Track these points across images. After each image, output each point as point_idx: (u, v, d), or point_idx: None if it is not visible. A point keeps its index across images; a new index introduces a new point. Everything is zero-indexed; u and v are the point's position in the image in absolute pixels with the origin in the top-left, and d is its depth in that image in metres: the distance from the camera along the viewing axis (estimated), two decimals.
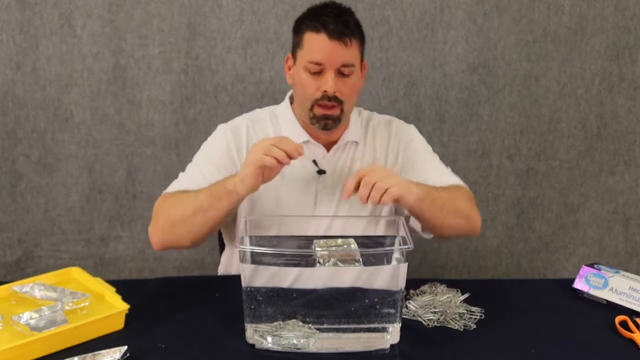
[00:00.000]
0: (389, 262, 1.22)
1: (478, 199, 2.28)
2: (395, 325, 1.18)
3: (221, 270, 1.68)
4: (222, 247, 1.72)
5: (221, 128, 1.57)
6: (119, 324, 1.21)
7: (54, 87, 2.08)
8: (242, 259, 1.15)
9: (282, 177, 1.46)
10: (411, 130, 1.64)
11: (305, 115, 1.48)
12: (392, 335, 1.19)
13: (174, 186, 1.49)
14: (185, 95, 2.13)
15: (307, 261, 1.19)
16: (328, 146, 1.54)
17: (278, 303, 1.16)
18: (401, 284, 1.17)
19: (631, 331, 1.28)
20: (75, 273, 1.39)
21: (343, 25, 1.40)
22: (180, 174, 1.53)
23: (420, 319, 1.30)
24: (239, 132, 1.53)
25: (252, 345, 1.17)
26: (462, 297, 1.38)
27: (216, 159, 1.50)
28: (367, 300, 1.18)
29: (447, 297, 1.37)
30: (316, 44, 1.41)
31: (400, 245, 1.24)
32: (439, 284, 1.45)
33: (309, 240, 1.25)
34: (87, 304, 1.26)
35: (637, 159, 2.31)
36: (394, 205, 1.52)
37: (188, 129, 2.15)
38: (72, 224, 2.19)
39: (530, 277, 2.36)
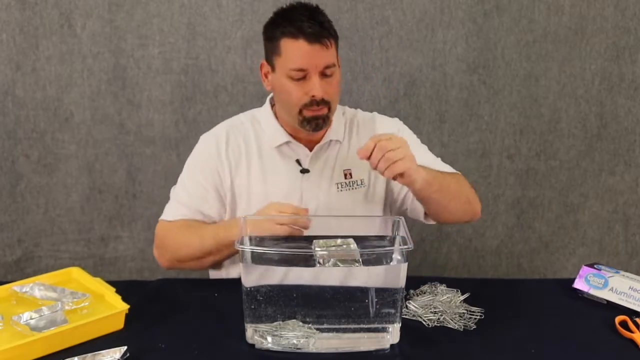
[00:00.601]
0: (389, 262, 1.22)
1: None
2: (395, 325, 1.18)
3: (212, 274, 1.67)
4: None
5: (202, 138, 1.59)
6: (118, 324, 1.21)
7: (54, 87, 2.08)
8: (242, 259, 1.15)
9: (268, 178, 1.51)
10: (395, 122, 1.64)
11: (294, 120, 1.47)
12: (392, 335, 1.19)
13: (172, 212, 1.53)
14: (185, 95, 2.13)
15: (307, 261, 1.19)
16: (310, 145, 1.55)
17: (278, 303, 1.16)
18: (401, 284, 1.17)
19: (631, 331, 1.28)
20: (75, 273, 1.39)
21: (319, 27, 1.39)
22: (175, 196, 1.56)
23: (420, 319, 1.30)
24: (219, 139, 1.54)
25: (252, 345, 1.17)
26: (462, 297, 1.38)
27: (207, 171, 1.53)
28: (367, 300, 1.18)
29: (447, 297, 1.37)
30: (296, 50, 1.39)
31: (400, 245, 1.24)
32: (439, 284, 1.45)
33: (308, 240, 1.26)
34: (87, 304, 1.26)
35: (637, 159, 2.30)
36: (398, 190, 1.54)
37: (188, 129, 2.15)
38: (72, 224, 2.19)
39: (530, 277, 2.36)
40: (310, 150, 1.54)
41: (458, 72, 2.18)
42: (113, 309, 1.23)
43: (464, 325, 1.28)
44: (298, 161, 1.53)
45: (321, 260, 1.18)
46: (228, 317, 1.24)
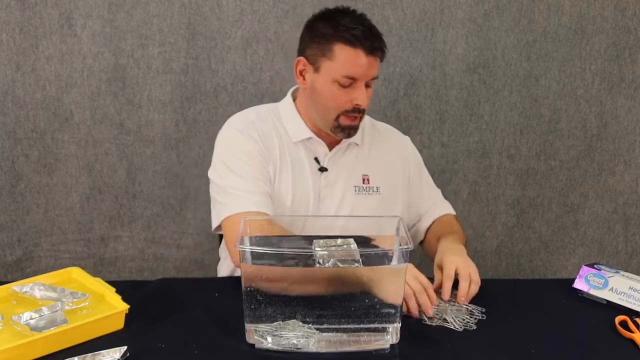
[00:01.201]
0: (389, 262, 1.22)
1: (478, 199, 2.29)
2: (395, 325, 1.18)
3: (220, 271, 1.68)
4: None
5: (232, 121, 1.55)
6: (118, 324, 1.21)
7: (54, 87, 2.08)
8: (242, 259, 1.15)
9: (290, 171, 1.50)
10: (410, 144, 1.71)
11: (327, 124, 1.49)
12: (392, 335, 1.19)
13: (240, 204, 1.43)
14: (185, 95, 2.13)
15: (307, 261, 1.19)
16: (330, 144, 1.56)
17: (278, 303, 1.16)
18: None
19: (631, 331, 1.28)
20: (75, 273, 1.39)
21: (376, 39, 1.42)
22: (228, 189, 1.46)
23: (420, 319, 1.30)
24: (253, 124, 1.53)
25: (252, 345, 1.17)
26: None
27: (252, 160, 1.48)
28: (367, 300, 1.18)
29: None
30: (352, 59, 1.40)
31: (400, 245, 1.24)
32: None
33: (309, 240, 1.25)
34: (87, 304, 1.25)
35: (637, 159, 2.31)
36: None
37: (188, 129, 2.15)
38: (72, 224, 2.19)
39: (530, 277, 2.36)
40: (330, 150, 1.55)
41: (458, 72, 2.18)
42: (113, 309, 1.23)
43: (464, 325, 1.28)
44: (316, 159, 1.54)
45: (321, 260, 1.17)
46: (228, 317, 1.24)
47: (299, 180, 1.52)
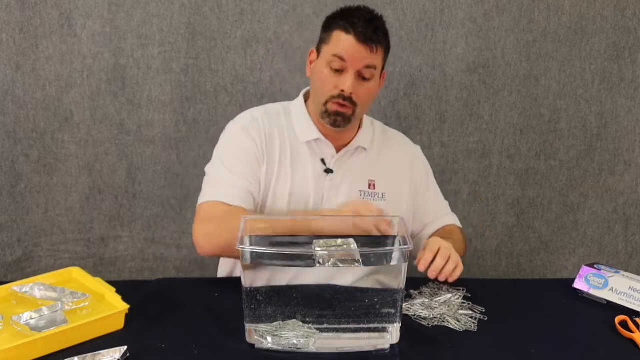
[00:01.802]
0: (389, 262, 1.22)
1: (478, 199, 2.29)
2: (395, 325, 1.18)
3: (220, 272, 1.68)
4: None
5: (239, 118, 1.57)
6: (118, 324, 1.21)
7: (54, 87, 2.08)
8: (242, 259, 1.15)
9: (295, 171, 1.51)
10: (420, 153, 1.71)
11: (318, 109, 1.51)
12: (392, 335, 1.19)
13: (220, 193, 1.46)
14: (185, 95, 2.13)
15: (307, 261, 1.19)
16: (337, 147, 1.56)
17: (278, 303, 1.16)
18: (401, 284, 1.17)
19: (631, 331, 1.28)
20: (75, 273, 1.39)
21: (372, 32, 1.43)
22: (217, 177, 1.50)
23: (420, 319, 1.30)
24: (256, 120, 1.55)
25: (252, 345, 1.17)
26: (462, 297, 1.38)
27: (246, 158, 1.50)
28: (367, 300, 1.18)
29: (447, 297, 1.37)
30: (343, 42, 1.44)
31: (400, 245, 1.24)
32: (439, 284, 1.45)
33: (309, 240, 1.25)
34: (87, 304, 1.26)
35: (637, 159, 2.31)
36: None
37: (188, 129, 2.15)
38: (72, 224, 2.19)
39: (530, 277, 2.36)
40: (337, 152, 1.55)
41: (458, 72, 2.18)
42: (113, 309, 1.23)
43: (464, 325, 1.28)
44: (323, 160, 1.55)
45: (321, 260, 1.18)
46: (228, 317, 1.24)
47: (298, 182, 1.52)
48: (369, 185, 1.57)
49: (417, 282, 1.44)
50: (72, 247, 2.21)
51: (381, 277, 1.32)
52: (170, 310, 1.29)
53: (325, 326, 1.16)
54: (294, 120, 1.56)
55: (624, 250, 2.38)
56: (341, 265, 1.18)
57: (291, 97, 1.67)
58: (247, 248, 1.20)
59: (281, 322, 1.15)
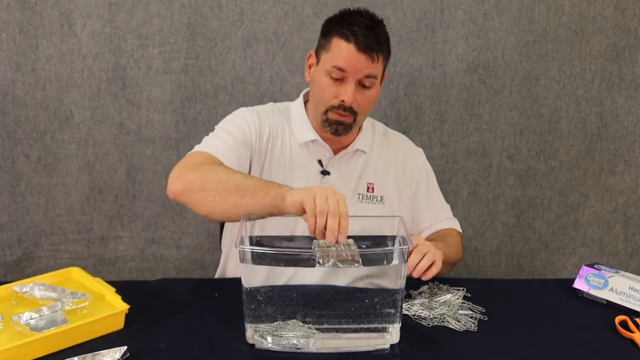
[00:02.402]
0: (389, 262, 1.22)
1: (478, 199, 2.29)
2: (395, 325, 1.18)
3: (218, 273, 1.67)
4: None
5: (245, 108, 1.58)
6: (118, 324, 1.21)
7: (54, 87, 2.08)
8: (242, 259, 1.15)
9: (291, 172, 1.51)
10: (422, 157, 1.70)
11: (318, 117, 1.50)
12: (392, 335, 1.19)
13: (210, 145, 1.45)
14: (185, 95, 2.13)
15: (307, 261, 1.19)
16: (335, 149, 1.55)
17: (278, 303, 1.16)
18: (401, 284, 1.17)
19: (631, 331, 1.28)
20: (75, 273, 1.39)
21: (373, 40, 1.41)
22: (213, 135, 1.50)
23: (420, 319, 1.30)
24: (267, 115, 1.55)
25: (252, 345, 1.17)
26: (462, 297, 1.38)
27: (241, 134, 1.49)
28: (367, 300, 1.18)
29: (447, 297, 1.37)
30: (343, 51, 1.42)
31: (400, 245, 1.24)
32: (439, 284, 1.45)
33: (309, 240, 1.25)
34: (87, 304, 1.26)
35: (637, 159, 2.30)
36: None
37: (188, 129, 2.15)
38: (72, 224, 2.19)
39: (530, 277, 2.36)
40: (335, 154, 1.55)
41: (458, 72, 2.18)
42: (113, 309, 1.23)
43: (464, 325, 1.28)
44: (320, 162, 1.54)
45: (321, 260, 1.18)
46: (228, 317, 1.24)
47: (294, 183, 1.50)
48: (368, 188, 1.57)
49: (417, 282, 1.44)
50: (72, 247, 2.21)
51: (380, 278, 1.32)
52: (170, 310, 1.29)
53: (325, 326, 1.16)
54: (293, 121, 1.56)
55: (624, 250, 2.38)
56: (341, 266, 1.18)
57: (291, 97, 1.67)
58: (247, 248, 1.20)
59: (281, 322, 1.15)
